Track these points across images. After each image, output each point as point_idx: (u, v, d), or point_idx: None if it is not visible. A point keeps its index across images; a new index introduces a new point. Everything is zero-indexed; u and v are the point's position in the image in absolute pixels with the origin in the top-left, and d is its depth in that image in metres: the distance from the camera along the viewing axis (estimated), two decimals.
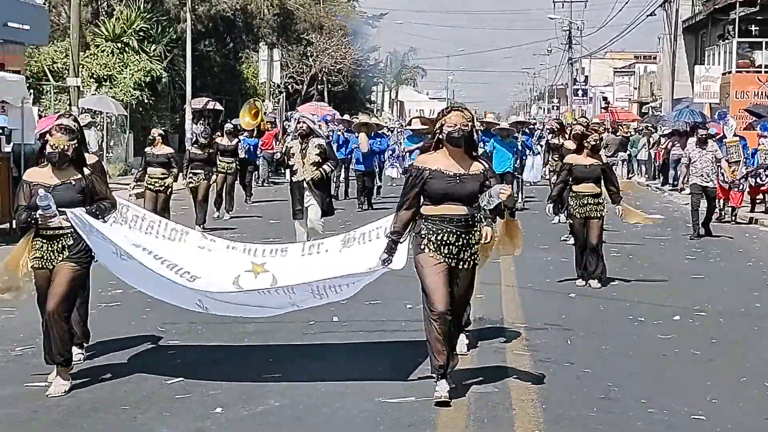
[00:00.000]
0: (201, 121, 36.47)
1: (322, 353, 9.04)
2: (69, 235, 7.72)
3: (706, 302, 11.83)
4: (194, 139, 19.46)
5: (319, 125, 26.61)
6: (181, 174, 18.35)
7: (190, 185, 18.97)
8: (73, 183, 7.83)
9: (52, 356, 7.66)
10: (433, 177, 7.47)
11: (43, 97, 31.02)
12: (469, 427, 6.96)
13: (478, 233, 7.57)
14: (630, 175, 36.86)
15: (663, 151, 34.16)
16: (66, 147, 7.77)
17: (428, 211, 7.54)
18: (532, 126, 30.71)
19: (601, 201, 12.79)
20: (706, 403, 7.62)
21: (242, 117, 30.62)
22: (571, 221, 13.23)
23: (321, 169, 13.64)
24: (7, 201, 16.48)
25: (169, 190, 17.44)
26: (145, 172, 17.37)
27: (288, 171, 14.89)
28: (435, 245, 7.44)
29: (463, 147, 7.53)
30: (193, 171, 18.87)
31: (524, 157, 24.13)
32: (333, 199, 15.48)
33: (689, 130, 32.25)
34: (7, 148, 18.34)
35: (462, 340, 8.59)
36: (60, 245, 7.71)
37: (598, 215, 12.75)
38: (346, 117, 30.57)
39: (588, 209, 12.71)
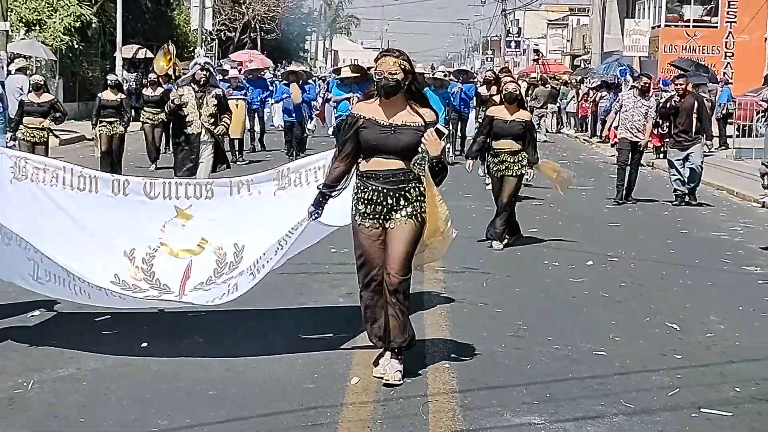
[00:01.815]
0: (133, 71, 36.28)
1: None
2: None
3: (620, 249, 12.28)
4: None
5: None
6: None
7: (100, 133, 18.25)
8: None
9: None
10: (366, 126, 6.77)
11: None
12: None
13: (414, 190, 6.75)
14: (559, 127, 37.42)
15: (591, 103, 34.70)
16: None
17: (361, 167, 6.84)
18: (474, 76, 30.86)
19: (519, 159, 12.07)
20: (609, 340, 8.04)
21: (156, 62, 29.30)
22: (491, 179, 12.61)
23: (222, 122, 12.52)
24: None
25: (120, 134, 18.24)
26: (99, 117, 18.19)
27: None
28: (363, 205, 6.76)
29: (403, 95, 6.76)
30: (106, 120, 18.23)
31: (466, 110, 23.86)
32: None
33: (617, 82, 32.94)
34: None
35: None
36: None
37: (515, 174, 12.10)
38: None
39: (505, 166, 12.06)
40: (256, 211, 7.77)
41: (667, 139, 19.49)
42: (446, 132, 6.79)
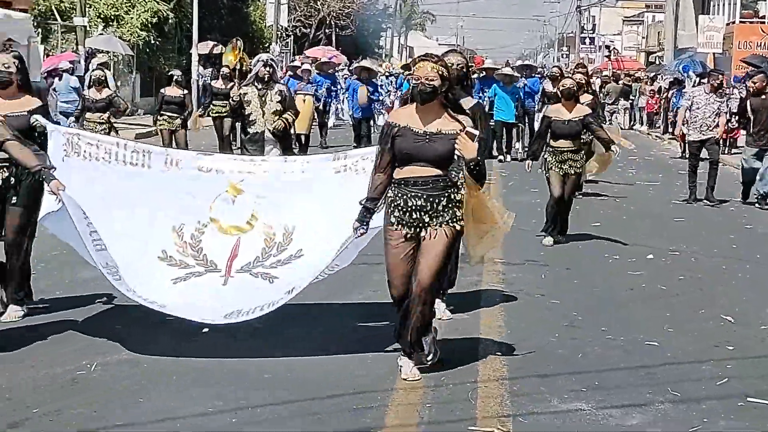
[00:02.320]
0: (208, 67, 36.70)
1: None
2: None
3: (683, 243, 12.29)
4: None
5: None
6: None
7: (161, 128, 18.49)
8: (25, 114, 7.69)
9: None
10: (401, 134, 6.58)
11: (51, 36, 31.34)
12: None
13: (454, 196, 6.58)
14: (631, 123, 37.18)
15: (663, 100, 34.43)
16: None
17: (396, 174, 6.64)
18: (540, 71, 30.72)
19: (579, 157, 12.11)
20: (663, 331, 8.10)
21: (226, 56, 30.18)
22: (548, 175, 12.21)
23: (283, 118, 12.14)
24: None
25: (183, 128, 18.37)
26: (161, 112, 18.38)
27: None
28: (400, 212, 6.56)
29: (439, 102, 6.59)
30: (166, 114, 18.36)
31: (531, 104, 23.60)
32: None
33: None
34: None
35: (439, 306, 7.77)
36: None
37: (576, 172, 12.13)
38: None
39: (568, 165, 11.99)
40: (309, 193, 7.65)
41: (742, 134, 19.10)
42: (477, 134, 6.51)
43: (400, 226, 6.57)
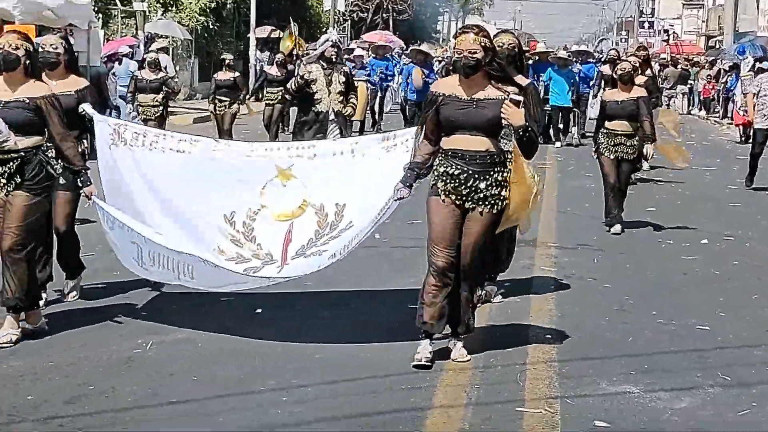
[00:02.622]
0: (266, 52, 36.84)
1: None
2: (21, 159, 6.93)
3: (738, 229, 12.21)
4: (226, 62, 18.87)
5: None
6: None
7: (216, 113, 18.51)
8: (27, 102, 6.99)
9: (3, 299, 7.02)
10: (446, 102, 6.50)
11: (111, 21, 31.63)
12: (486, 328, 7.46)
13: (502, 174, 6.49)
14: (690, 108, 36.82)
15: (722, 85, 34.06)
16: (13, 46, 6.98)
17: (445, 145, 6.58)
18: (597, 56, 30.45)
19: (632, 143, 11.70)
20: (714, 316, 8.08)
21: (283, 42, 29.48)
22: (601, 161, 11.86)
23: (351, 103, 12.05)
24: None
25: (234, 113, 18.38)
26: (215, 96, 18.42)
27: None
28: (443, 182, 6.49)
29: (482, 74, 6.48)
30: (218, 98, 18.44)
31: (586, 89, 23.36)
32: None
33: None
34: None
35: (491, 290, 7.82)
36: (10, 170, 6.90)
37: (630, 156, 11.75)
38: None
39: (622, 149, 11.66)
40: (358, 172, 7.52)
41: None
42: (521, 99, 6.38)
43: (444, 195, 6.49)
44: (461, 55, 6.43)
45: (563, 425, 5.65)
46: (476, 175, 6.44)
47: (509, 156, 6.56)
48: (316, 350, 6.91)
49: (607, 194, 11.87)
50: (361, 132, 22.61)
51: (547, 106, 21.50)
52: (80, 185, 7.32)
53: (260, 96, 21.22)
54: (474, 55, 6.40)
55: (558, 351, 7.02)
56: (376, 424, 5.61)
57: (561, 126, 22.73)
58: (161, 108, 16.50)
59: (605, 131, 11.78)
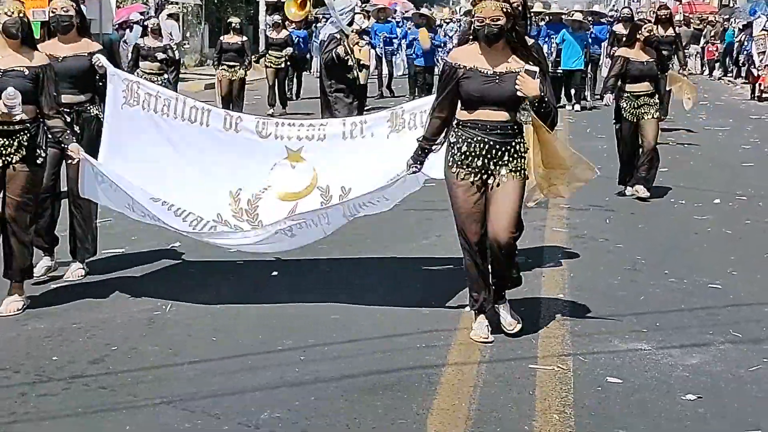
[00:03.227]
0: (276, 13, 36.74)
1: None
2: (25, 131, 6.95)
3: (750, 188, 12.27)
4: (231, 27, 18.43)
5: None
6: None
7: (222, 77, 18.16)
8: (25, 71, 6.97)
9: (9, 272, 7.13)
10: (468, 76, 6.26)
11: None
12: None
13: (521, 145, 6.33)
14: (703, 68, 36.72)
15: (738, 44, 33.91)
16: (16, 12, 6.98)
17: (462, 116, 6.36)
18: (610, 17, 30.14)
19: (655, 101, 11.55)
20: (726, 274, 8.17)
21: (288, 8, 26.92)
22: (619, 125, 11.72)
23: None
24: None
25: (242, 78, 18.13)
26: (220, 61, 18.17)
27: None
28: (463, 156, 6.29)
29: (503, 42, 6.26)
30: (225, 62, 18.07)
31: (599, 53, 23.27)
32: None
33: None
34: None
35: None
36: (16, 143, 6.92)
37: (654, 114, 11.55)
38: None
39: (643, 110, 11.46)
40: (367, 154, 7.46)
41: None
42: (537, 70, 6.10)
43: (463, 169, 6.29)
44: (483, 24, 6.18)
45: (576, 381, 5.76)
46: (497, 146, 6.24)
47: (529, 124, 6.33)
48: (331, 311, 7.03)
49: (624, 161, 11.74)
50: (363, 96, 22.38)
51: (560, 69, 21.46)
52: (64, 145, 7.13)
53: (258, 60, 21.06)
54: (497, 23, 6.15)
55: (570, 309, 7.13)
56: (392, 380, 5.73)
57: (573, 90, 22.48)
58: (166, 75, 16.30)
59: (627, 95, 11.49)
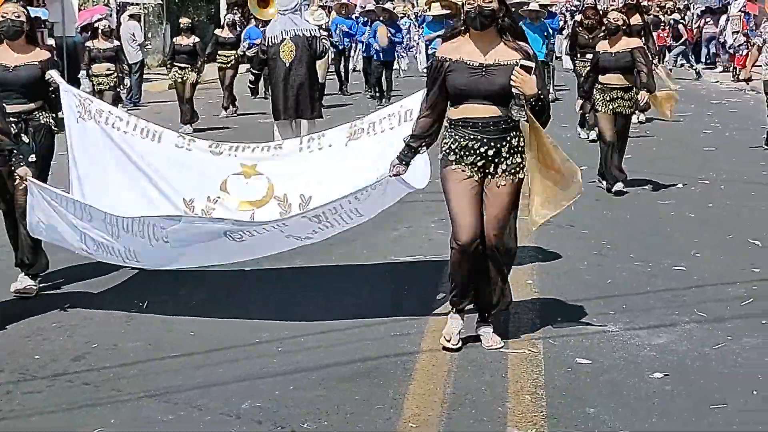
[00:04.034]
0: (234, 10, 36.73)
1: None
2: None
3: (712, 172, 12.51)
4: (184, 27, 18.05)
5: None
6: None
7: (176, 81, 17.87)
8: None
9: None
10: (454, 69, 5.99)
11: None
12: None
13: (517, 140, 6.01)
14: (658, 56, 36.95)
15: (696, 30, 34.27)
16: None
17: (451, 114, 6.09)
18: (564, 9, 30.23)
19: (630, 97, 11.25)
20: (690, 257, 8.38)
21: (252, 7, 24.81)
22: (597, 117, 11.60)
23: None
24: None
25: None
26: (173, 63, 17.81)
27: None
28: (458, 155, 6.01)
29: (494, 30, 5.97)
30: (177, 64, 17.78)
31: (552, 42, 22.86)
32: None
33: (722, 6, 32.50)
34: (50, 41, 19.08)
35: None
36: None
37: (628, 112, 11.35)
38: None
39: (616, 104, 11.16)
40: (325, 163, 7.30)
41: None
42: (533, 65, 5.83)
43: (460, 166, 6.02)
44: (474, 5, 5.90)
45: (546, 363, 5.93)
46: (492, 143, 5.94)
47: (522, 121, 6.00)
48: (306, 303, 7.18)
49: (604, 152, 11.39)
50: (321, 94, 21.62)
51: None
52: (12, 165, 6.98)
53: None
54: (489, 5, 5.89)
55: (539, 293, 7.32)
56: (368, 368, 5.88)
57: None
58: (117, 78, 16.03)
59: (600, 86, 11.28)
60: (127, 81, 17.53)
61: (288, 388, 5.61)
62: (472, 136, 5.97)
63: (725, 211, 10.23)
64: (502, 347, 6.20)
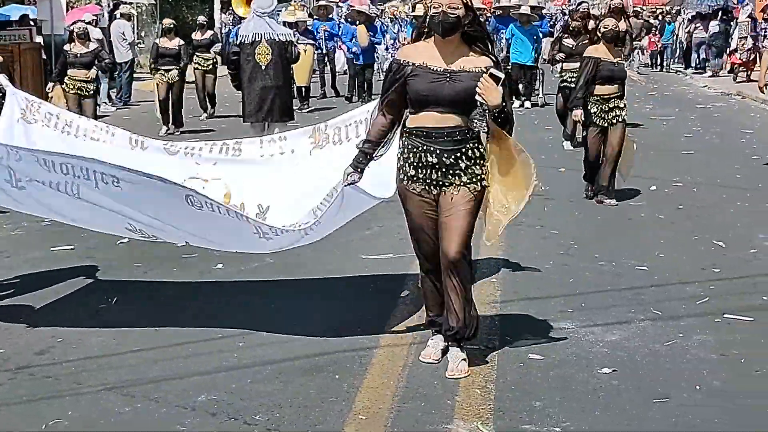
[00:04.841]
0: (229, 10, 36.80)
1: None
2: None
3: (687, 175, 12.66)
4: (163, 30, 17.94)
5: None
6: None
7: (157, 82, 17.76)
8: None
9: None
10: (416, 74, 5.72)
11: None
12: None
13: (475, 150, 5.77)
14: (653, 60, 37.19)
15: (687, 35, 34.45)
16: None
17: (410, 123, 5.81)
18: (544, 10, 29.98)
19: (624, 103, 11.01)
20: (654, 257, 8.53)
21: (236, 8, 24.70)
22: (588, 132, 11.12)
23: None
24: (39, 89, 16.42)
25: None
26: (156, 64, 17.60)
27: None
28: (411, 168, 5.77)
29: (458, 36, 5.74)
30: (163, 67, 17.55)
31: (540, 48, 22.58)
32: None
33: (711, 13, 32.69)
34: (38, 39, 19.19)
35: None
36: None
37: (622, 119, 10.95)
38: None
39: (614, 114, 10.88)
40: (287, 171, 7.07)
41: None
42: (502, 76, 5.59)
43: (413, 182, 5.79)
44: (439, 11, 5.67)
45: (499, 359, 6.07)
46: (447, 154, 5.72)
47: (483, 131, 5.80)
48: (271, 299, 7.33)
49: (589, 167, 11.24)
50: (307, 97, 21.84)
51: (509, 64, 21.55)
52: None
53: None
54: (455, 11, 5.65)
55: (501, 293, 7.46)
56: (326, 363, 6.01)
57: (521, 86, 21.92)
58: (95, 85, 15.33)
59: (597, 98, 10.87)
60: (104, 85, 17.07)
61: (246, 381, 5.75)
62: (425, 147, 5.72)
63: (694, 213, 10.37)
64: (468, 376, 5.79)
